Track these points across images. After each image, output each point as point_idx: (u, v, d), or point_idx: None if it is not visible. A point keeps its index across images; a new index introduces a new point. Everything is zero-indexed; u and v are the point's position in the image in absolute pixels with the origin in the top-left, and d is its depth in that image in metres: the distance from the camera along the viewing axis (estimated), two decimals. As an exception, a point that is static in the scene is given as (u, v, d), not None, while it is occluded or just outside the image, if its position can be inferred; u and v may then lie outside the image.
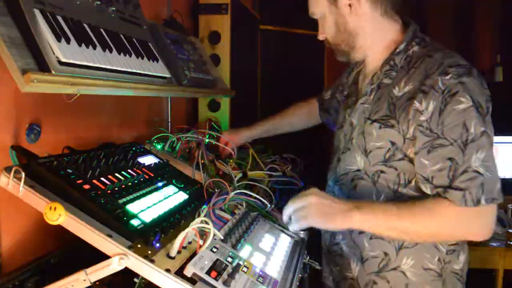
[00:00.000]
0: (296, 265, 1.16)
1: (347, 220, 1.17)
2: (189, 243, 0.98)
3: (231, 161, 1.59)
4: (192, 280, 0.87)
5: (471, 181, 1.11)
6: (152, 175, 1.23)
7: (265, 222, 1.31)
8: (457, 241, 1.29)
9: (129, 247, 0.86)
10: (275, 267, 1.07)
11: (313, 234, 1.37)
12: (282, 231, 1.31)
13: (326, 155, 3.21)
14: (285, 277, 1.07)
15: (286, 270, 1.10)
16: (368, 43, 1.33)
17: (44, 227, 1.00)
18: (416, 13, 3.55)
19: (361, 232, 1.31)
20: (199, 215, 1.09)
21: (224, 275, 0.91)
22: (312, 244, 1.37)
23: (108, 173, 1.08)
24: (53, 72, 0.88)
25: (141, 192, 1.09)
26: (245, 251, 1.06)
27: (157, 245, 0.91)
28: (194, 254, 0.93)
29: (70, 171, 0.99)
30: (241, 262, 0.99)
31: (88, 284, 0.87)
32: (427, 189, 1.19)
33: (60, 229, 0.87)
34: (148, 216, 1.00)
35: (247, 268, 0.99)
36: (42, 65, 0.88)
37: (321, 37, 1.39)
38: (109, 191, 1.00)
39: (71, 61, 0.94)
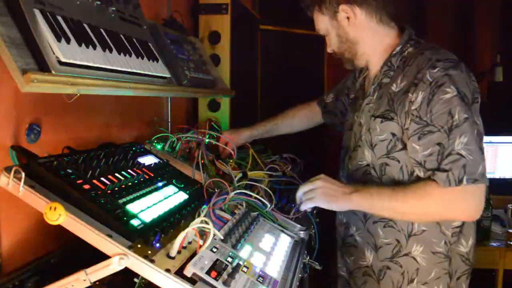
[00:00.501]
0: (296, 265, 1.16)
1: (348, 201, 1.30)
2: (189, 243, 0.98)
3: (231, 161, 1.59)
4: (192, 280, 0.87)
5: (453, 163, 1.19)
6: (152, 175, 1.23)
7: (265, 222, 1.31)
8: (459, 223, 1.36)
9: (129, 247, 0.86)
10: (275, 267, 1.08)
11: (326, 230, 1.51)
12: (282, 231, 1.31)
13: (326, 155, 3.24)
14: (285, 277, 1.07)
15: (286, 270, 1.10)
16: (368, 49, 1.45)
17: (44, 227, 1.00)
18: (416, 13, 3.56)
19: (375, 222, 1.42)
20: (199, 215, 1.09)
21: (224, 275, 0.91)
22: (326, 237, 1.50)
23: (108, 173, 1.08)
24: (53, 72, 0.88)
25: (141, 192, 1.09)
26: (245, 251, 1.06)
27: (157, 245, 0.92)
28: (194, 254, 0.93)
29: (70, 171, 0.99)
30: (241, 262, 0.99)
31: (88, 284, 0.87)
32: (420, 173, 1.28)
33: (60, 229, 0.87)
34: (148, 216, 1.00)
35: (247, 268, 0.99)
36: (42, 65, 0.88)
37: (329, 50, 1.53)
38: (109, 191, 1.01)
39: (71, 61, 0.94)
